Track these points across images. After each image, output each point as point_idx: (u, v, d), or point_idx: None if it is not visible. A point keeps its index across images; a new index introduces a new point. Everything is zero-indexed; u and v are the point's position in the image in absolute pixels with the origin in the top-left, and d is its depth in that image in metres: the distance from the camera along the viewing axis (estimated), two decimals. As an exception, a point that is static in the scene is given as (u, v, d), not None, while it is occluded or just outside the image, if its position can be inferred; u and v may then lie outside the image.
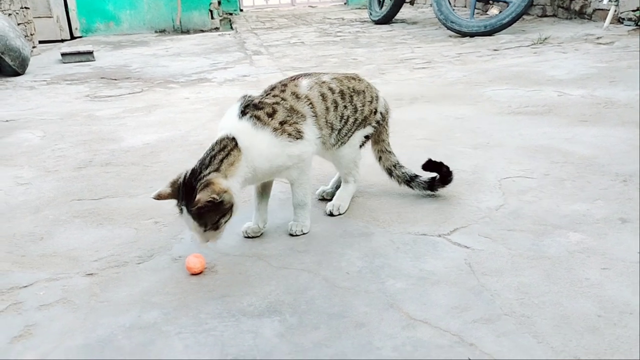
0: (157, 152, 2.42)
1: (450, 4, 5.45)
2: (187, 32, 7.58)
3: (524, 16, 5.56)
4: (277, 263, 1.44)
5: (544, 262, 1.34)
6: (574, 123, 2.40)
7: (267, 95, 1.60)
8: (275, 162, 1.51)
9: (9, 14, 5.46)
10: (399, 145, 2.26)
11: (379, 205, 1.73)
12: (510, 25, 5.14)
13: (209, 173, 1.42)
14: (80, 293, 1.36)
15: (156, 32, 7.70)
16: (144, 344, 1.15)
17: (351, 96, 1.68)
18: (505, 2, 5.30)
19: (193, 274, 1.42)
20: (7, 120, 3.14)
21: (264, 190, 1.66)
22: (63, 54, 5.48)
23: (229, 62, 4.97)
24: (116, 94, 3.83)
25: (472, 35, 5.24)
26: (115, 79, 4.42)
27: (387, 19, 7.05)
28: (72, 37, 7.50)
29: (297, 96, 1.58)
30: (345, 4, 10.83)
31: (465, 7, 7.77)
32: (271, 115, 1.52)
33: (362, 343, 1.11)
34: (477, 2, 5.57)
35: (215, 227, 1.41)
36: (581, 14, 5.48)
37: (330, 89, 1.64)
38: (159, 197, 1.46)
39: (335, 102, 1.64)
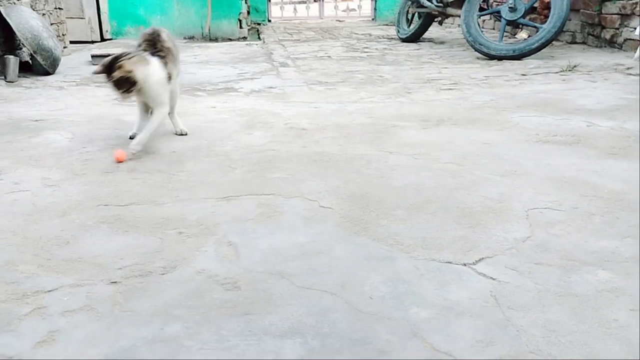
0: (183, 160, 2.44)
1: (479, 26, 5.44)
2: (216, 40, 7.66)
3: (553, 42, 5.53)
4: (299, 282, 1.44)
5: (572, 300, 1.32)
6: (603, 156, 2.37)
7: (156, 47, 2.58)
8: (157, 88, 2.52)
9: (43, 14, 5.56)
10: (424, 168, 2.26)
11: (404, 230, 1.73)
12: (539, 50, 5.11)
13: (123, 60, 2.38)
14: (104, 301, 1.36)
15: (185, 38, 7.78)
16: (166, 357, 1.16)
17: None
18: (535, 27, 5.27)
19: (119, 161, 2.39)
20: (36, 120, 3.19)
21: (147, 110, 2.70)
22: (93, 56, 5.56)
23: (256, 72, 5.00)
24: (144, 99, 3.86)
25: (500, 58, 5.22)
26: (144, 84, 4.46)
27: (414, 38, 7.05)
28: (102, 39, 7.62)
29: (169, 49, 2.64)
30: (372, 19, 10.86)
31: (493, 29, 7.75)
32: (166, 63, 2.57)
33: (384, 372, 1.10)
34: (506, 26, 5.55)
35: (127, 93, 2.42)
36: (611, 43, 5.44)
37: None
38: (96, 72, 2.42)
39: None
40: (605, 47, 5.55)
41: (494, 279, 1.42)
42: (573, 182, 2.08)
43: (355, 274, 1.48)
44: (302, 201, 1.97)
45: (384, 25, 9.95)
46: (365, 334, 1.22)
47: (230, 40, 7.67)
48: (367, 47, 6.72)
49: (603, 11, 5.49)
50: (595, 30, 5.69)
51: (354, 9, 11.27)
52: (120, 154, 2.42)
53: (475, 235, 1.68)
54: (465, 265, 1.50)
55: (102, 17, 7.57)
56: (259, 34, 8.28)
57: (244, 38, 7.72)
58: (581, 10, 5.86)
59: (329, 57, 5.93)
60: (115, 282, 1.45)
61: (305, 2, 11.06)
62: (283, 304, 1.35)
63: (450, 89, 4.01)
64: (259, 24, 9.71)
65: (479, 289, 1.38)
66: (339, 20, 11.03)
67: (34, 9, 5.22)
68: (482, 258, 1.53)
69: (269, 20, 10.72)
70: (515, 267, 1.47)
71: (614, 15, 5.36)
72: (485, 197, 1.96)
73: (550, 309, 1.29)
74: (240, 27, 7.72)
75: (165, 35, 2.64)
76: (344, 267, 1.51)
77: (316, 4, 11.36)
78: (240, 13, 7.68)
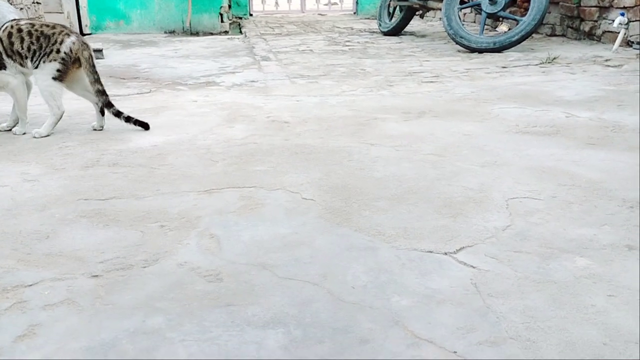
0: (165, 154, 2.42)
1: (460, 19, 5.47)
2: (197, 34, 7.61)
3: (533, 34, 5.58)
4: (282, 273, 1.44)
5: (550, 286, 1.34)
6: (582, 146, 2.40)
7: None
8: None
9: (21, 9, 5.48)
10: (406, 160, 2.27)
11: (386, 220, 1.73)
12: (519, 43, 5.15)
13: None
14: (85, 294, 1.36)
15: (166, 32, 7.72)
16: (148, 349, 1.15)
17: (38, 37, 2.61)
18: (515, 20, 5.32)
19: None
20: (15, 115, 3.15)
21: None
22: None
23: (238, 66, 4.98)
24: (124, 93, 3.84)
25: (480, 51, 5.26)
26: (124, 79, 4.43)
27: (396, 31, 7.07)
28: (82, 34, 7.52)
29: None
30: (354, 13, 10.87)
31: (474, 22, 7.80)
32: None
33: (366, 360, 1.11)
34: (486, 19, 5.58)
35: None
36: (590, 35, 5.50)
37: (19, 29, 2.63)
38: None
39: (21, 37, 2.61)
40: (584, 39, 5.61)
41: (474, 268, 1.43)
42: (552, 171, 2.10)
43: (337, 264, 1.48)
44: (284, 193, 1.97)
45: (366, 19, 9.97)
46: (347, 323, 1.23)
47: (212, 34, 7.62)
48: (349, 41, 6.73)
49: (582, 4, 5.55)
50: (575, 22, 5.74)
51: (335, 3, 11.27)
52: None
53: (456, 224, 1.69)
54: (446, 254, 1.51)
55: (81, 11, 7.48)
56: (240, 28, 8.24)
57: (226, 32, 7.68)
58: (560, 3, 5.92)
59: (311, 50, 5.92)
60: (96, 275, 1.44)
61: (286, -4, 11.02)
62: (265, 294, 1.35)
63: (431, 82, 4.03)
64: (240, 18, 9.67)
65: (460, 277, 1.39)
66: (321, 14, 11.01)
67: (11, 3, 5.13)
68: (463, 247, 1.55)
69: (251, 14, 10.68)
70: (495, 256, 1.49)
71: (592, 8, 5.42)
72: (466, 187, 1.98)
73: (529, 296, 1.30)
74: (222, 21, 7.68)
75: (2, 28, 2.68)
76: (326, 258, 1.51)
77: (298, -2, 11.34)
78: (221, 7, 7.63)
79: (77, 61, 2.67)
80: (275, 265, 1.49)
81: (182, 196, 1.96)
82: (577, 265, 1.43)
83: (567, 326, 1.19)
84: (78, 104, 3.44)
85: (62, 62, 2.62)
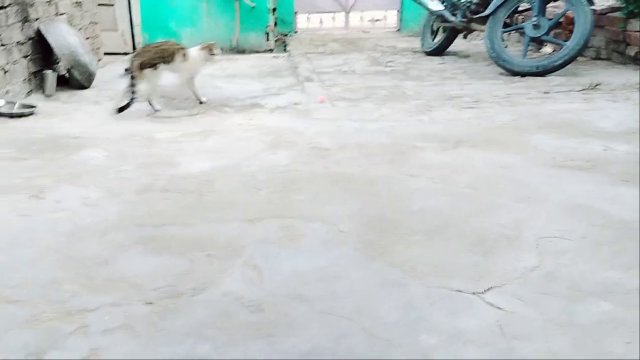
0: (212, 180, 2.57)
1: (503, 41, 5.49)
2: (243, 52, 7.83)
3: (577, 58, 5.55)
4: (319, 307, 1.55)
5: (574, 330, 1.41)
6: (617, 182, 2.43)
7: None
8: None
9: (79, 29, 5.78)
10: (442, 192, 2.35)
11: (419, 256, 1.82)
12: (562, 67, 5.14)
13: None
14: (140, 320, 1.49)
15: (213, 50, 7.97)
16: (197, 376, 1.28)
17: None
18: (559, 44, 5.31)
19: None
20: (75, 137, 3.35)
21: None
22: (126, 69, 5.75)
23: (281, 87, 5.13)
24: (175, 115, 4.03)
25: (523, 74, 5.27)
26: (174, 99, 4.63)
27: (439, 51, 7.12)
28: (135, 51, 7.85)
29: None
30: (398, 30, 10.94)
31: (518, 42, 7.77)
32: None
33: (394, 396, 1.20)
34: (530, 42, 5.59)
35: None
36: (636, 60, 5.44)
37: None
38: None
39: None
40: (629, 64, 5.55)
41: (500, 309, 1.51)
42: (585, 209, 2.15)
43: (371, 299, 1.58)
44: (322, 225, 2.07)
45: (409, 36, 10.00)
46: (380, 358, 1.33)
47: (257, 52, 7.83)
48: (391, 61, 6.80)
49: (628, 28, 5.51)
50: (620, 47, 5.69)
51: (379, 19, 11.35)
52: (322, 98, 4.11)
53: (486, 263, 1.77)
54: (474, 294, 1.59)
55: (134, 29, 7.80)
56: (285, 46, 8.42)
57: (271, 50, 7.88)
58: (606, 27, 5.87)
59: (353, 71, 6.03)
60: (150, 302, 1.58)
61: (331, 12, 11.17)
62: (304, 327, 1.46)
63: (471, 108, 4.08)
64: (285, 35, 9.85)
65: (486, 318, 1.47)
66: (365, 31, 11.11)
67: (71, 25, 5.43)
68: (491, 287, 1.62)
69: (296, 32, 10.86)
70: (521, 297, 1.56)
71: (638, 33, 5.37)
72: (500, 224, 2.05)
73: (553, 339, 1.38)
74: (267, 39, 7.89)
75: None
76: (360, 293, 1.62)
77: (342, 14, 11.48)
78: (267, 26, 7.84)
79: None
80: (312, 297, 1.60)
81: (228, 224, 2.09)
82: (600, 310, 1.49)
83: (586, 372, 1.26)
84: (131, 126, 3.64)
85: None
